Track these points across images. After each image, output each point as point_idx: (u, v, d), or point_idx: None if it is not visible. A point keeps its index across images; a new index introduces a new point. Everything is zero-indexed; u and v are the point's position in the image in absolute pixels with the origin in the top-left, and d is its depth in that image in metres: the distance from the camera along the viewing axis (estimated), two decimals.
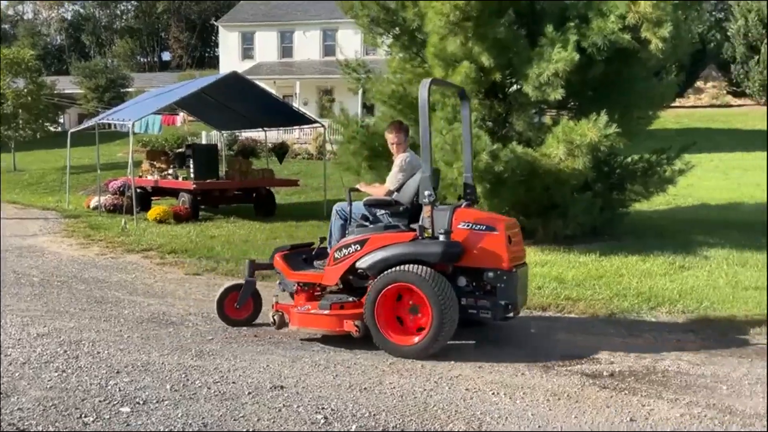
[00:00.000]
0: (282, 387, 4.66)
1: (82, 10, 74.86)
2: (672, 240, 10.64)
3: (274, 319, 6.03)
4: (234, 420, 4.11)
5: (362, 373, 4.99)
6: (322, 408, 4.29)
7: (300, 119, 18.42)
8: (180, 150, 20.38)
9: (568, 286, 7.81)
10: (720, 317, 6.70)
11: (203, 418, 4.12)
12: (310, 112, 27.11)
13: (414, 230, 5.50)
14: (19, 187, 24.02)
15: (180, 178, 15.81)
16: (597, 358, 5.44)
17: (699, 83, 45.89)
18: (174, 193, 15.69)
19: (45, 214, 16.52)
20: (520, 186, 10.08)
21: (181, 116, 24.15)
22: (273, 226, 13.23)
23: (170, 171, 16.38)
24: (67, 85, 42.78)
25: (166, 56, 75.32)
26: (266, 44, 39.86)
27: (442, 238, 5.35)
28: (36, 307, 7.13)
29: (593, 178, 10.78)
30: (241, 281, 6.45)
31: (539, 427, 4.10)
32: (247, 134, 26.84)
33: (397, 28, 11.43)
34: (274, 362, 5.21)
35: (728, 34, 40.98)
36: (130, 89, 44.50)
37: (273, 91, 23.15)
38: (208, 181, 15.28)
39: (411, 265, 5.31)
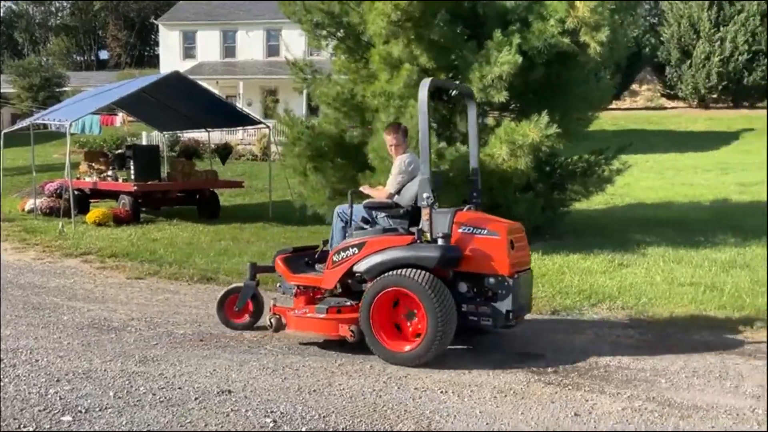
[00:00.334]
0: (229, 391, 4.60)
1: (15, 7, 72.23)
2: (611, 238, 10.95)
3: (271, 322, 5.87)
4: (180, 426, 4.04)
5: (311, 375, 4.97)
6: (271, 411, 4.26)
7: (244, 120, 18.21)
8: (120, 151, 19.89)
9: None
10: (657, 313, 6.94)
11: (148, 425, 4.04)
12: (254, 112, 26.85)
13: (413, 234, 5.36)
14: None
15: (120, 180, 15.43)
16: (541, 355, 5.56)
17: (635, 86, 47.36)
18: (114, 195, 15.30)
19: None
20: (465, 186, 10.21)
21: (121, 116, 23.50)
22: (217, 228, 13.05)
23: (109, 172, 15.95)
24: None
25: (104, 55, 73.36)
26: (208, 44, 39.25)
27: (440, 242, 5.21)
28: None
29: (535, 178, 11.00)
30: (250, 283, 6.33)
31: (486, 424, 4.16)
32: (189, 135, 26.37)
33: (341, 31, 11.42)
34: (221, 366, 5.14)
35: (662, 38, 42.39)
36: (66, 88, 43.12)
37: (216, 91, 22.81)
38: (150, 182, 14.96)
39: (408, 270, 5.18)
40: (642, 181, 20.34)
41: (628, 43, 12.63)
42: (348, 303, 5.61)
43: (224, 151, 20.78)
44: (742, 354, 5.62)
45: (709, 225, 12.31)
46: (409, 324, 5.30)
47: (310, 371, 5.05)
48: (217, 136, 26.90)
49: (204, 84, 21.04)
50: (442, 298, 5.07)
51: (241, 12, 39.21)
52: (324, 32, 11.57)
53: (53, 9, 73.04)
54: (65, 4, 72.82)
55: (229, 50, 39.57)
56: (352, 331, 5.40)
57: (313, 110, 26.71)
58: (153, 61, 58.60)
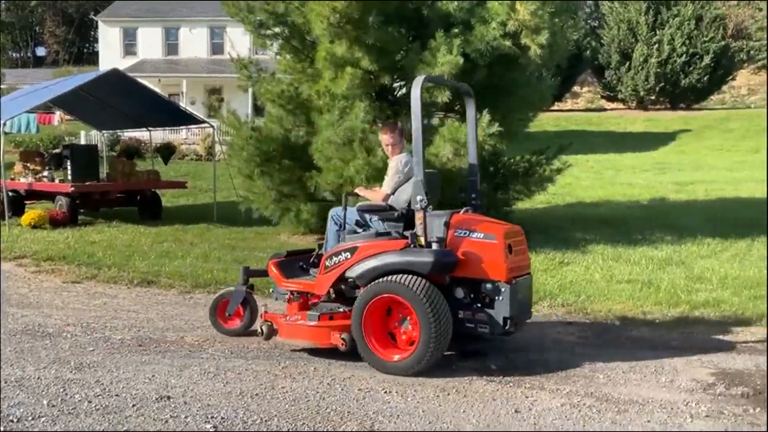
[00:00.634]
0: (169, 397, 4.51)
1: None
2: (552, 237, 11.18)
3: (261, 329, 5.62)
4: None
5: (254, 379, 4.91)
6: (212, 417, 4.19)
7: (187, 119, 17.87)
8: (56, 150, 19.27)
9: None
10: (596, 310, 7.10)
11: None
12: (197, 111, 26.41)
13: (406, 238, 5.14)
14: None
15: (56, 181, 14.95)
16: (483, 352, 5.62)
17: (576, 88, 48.47)
18: (50, 196, 14.81)
19: None
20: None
21: (58, 115, 22.85)
22: (159, 230, 12.78)
23: (45, 173, 15.44)
24: None
25: (41, 51, 71.03)
26: (150, 41, 38.43)
27: (435, 246, 5.01)
28: None
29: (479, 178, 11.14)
30: (240, 288, 6.12)
31: (429, 423, 4.19)
32: (130, 134, 25.77)
33: (286, 31, 11.34)
34: (160, 372, 5.03)
35: (602, 41, 43.50)
36: (1, 86, 41.59)
37: (158, 90, 22.34)
38: (88, 183, 14.53)
39: (401, 276, 4.98)
40: (582, 180, 20.84)
41: (569, 45, 12.88)
42: (341, 309, 5.39)
43: (167, 151, 20.40)
44: (677, 349, 5.80)
45: (647, 224, 12.70)
46: (402, 332, 5.12)
47: (252, 375, 4.99)
48: (159, 136, 26.35)
49: (145, 82, 20.58)
50: (436, 305, 4.87)
51: (184, 9, 38.52)
52: (268, 32, 11.46)
53: None
54: None
55: (171, 48, 38.85)
56: (343, 339, 5.19)
57: (258, 110, 26.48)
58: (92, 58, 56.97)
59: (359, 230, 5.61)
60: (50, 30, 67.73)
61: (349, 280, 5.36)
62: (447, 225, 5.14)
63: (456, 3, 10.02)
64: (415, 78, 9.80)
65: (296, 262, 5.91)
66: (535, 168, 11.87)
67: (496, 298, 5.02)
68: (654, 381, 4.96)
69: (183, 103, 29.57)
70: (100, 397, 4.50)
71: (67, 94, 15.32)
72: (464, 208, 5.60)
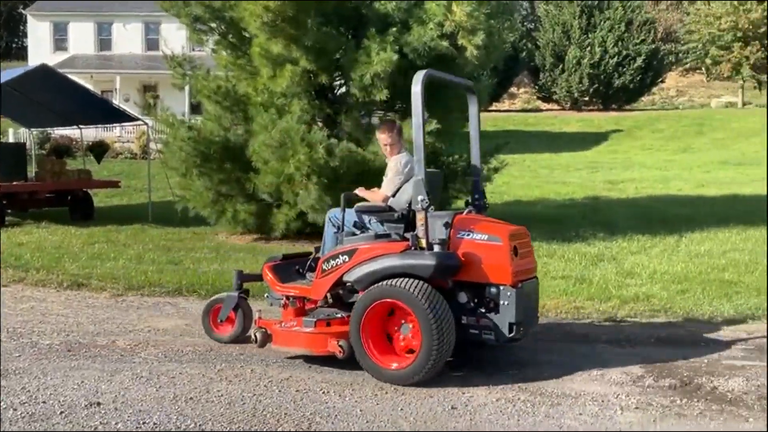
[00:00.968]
0: (98, 404, 4.37)
1: None
2: None
3: (255, 337, 5.32)
4: None
5: (188, 382, 4.81)
6: (144, 423, 4.08)
7: (121, 116, 17.39)
8: None
9: None
10: None
11: None
12: (132, 109, 25.72)
13: (407, 240, 4.91)
14: None
15: None
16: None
17: (513, 89, 49.40)
18: None
19: None
20: (354, 184, 10.28)
21: None
22: (91, 230, 12.39)
23: None
24: None
25: None
26: (81, 36, 37.25)
27: (436, 248, 4.78)
28: None
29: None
30: (233, 293, 5.82)
31: (366, 422, 4.19)
32: (60, 132, 24.90)
33: (223, 26, 11.16)
34: (89, 378, 4.87)
35: (538, 43, 44.46)
36: None
37: (90, 86, 21.69)
38: (15, 183, 14.01)
39: (401, 280, 4.74)
40: (519, 179, 21.26)
41: (505, 47, 13.14)
42: (338, 315, 5.15)
43: (99, 149, 19.85)
44: (608, 342, 5.96)
45: (580, 221, 13.04)
46: (401, 338, 4.89)
47: (187, 378, 4.88)
48: (91, 134, 25.58)
49: (76, 78, 19.93)
50: (438, 310, 4.63)
51: (117, 4, 37.45)
52: (204, 27, 11.26)
53: None
54: None
55: (104, 43, 37.77)
56: (341, 346, 4.92)
57: (195, 108, 25.99)
58: (21, 54, 54.82)
59: (358, 232, 5.40)
60: None
61: (348, 284, 5.13)
62: (449, 226, 4.92)
63: (394, 3, 10.07)
64: (352, 77, 9.94)
65: (292, 266, 5.65)
66: None
67: (502, 303, 4.79)
68: (586, 374, 5.08)
69: (116, 100, 28.76)
70: (26, 404, 4.33)
71: None
72: (467, 209, 5.44)
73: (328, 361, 5.20)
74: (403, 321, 4.86)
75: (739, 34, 42.71)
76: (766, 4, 41.83)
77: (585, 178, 22.69)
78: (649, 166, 26.25)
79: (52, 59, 30.82)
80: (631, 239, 10.93)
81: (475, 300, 4.91)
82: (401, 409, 4.38)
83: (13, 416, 4.14)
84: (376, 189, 5.71)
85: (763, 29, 42.15)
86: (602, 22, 41.50)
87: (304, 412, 4.30)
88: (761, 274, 8.39)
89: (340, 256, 5.11)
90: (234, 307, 5.75)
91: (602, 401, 4.54)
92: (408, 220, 5.16)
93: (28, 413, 4.19)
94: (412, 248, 4.85)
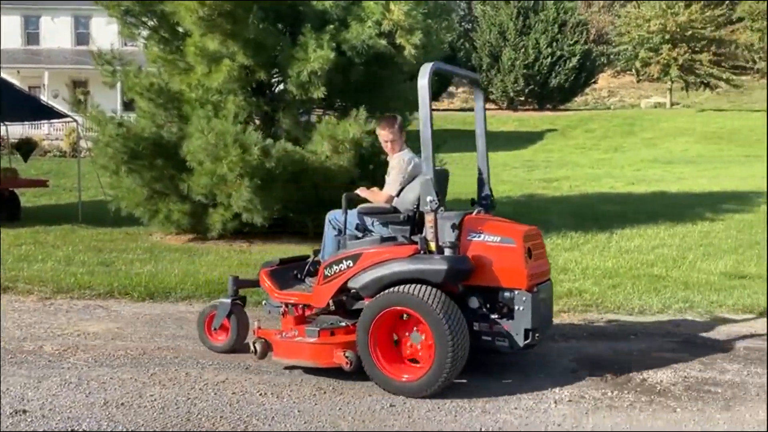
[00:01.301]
0: (24, 411, 4.20)
1: None
2: None
3: (255, 348, 5.02)
4: None
5: (120, 387, 4.67)
6: (72, 430, 3.94)
7: (49, 113, 16.75)
8: None
9: None
10: None
11: None
12: (61, 105, 24.85)
13: (415, 243, 4.66)
14: None
15: None
16: None
17: (452, 88, 49.97)
18: None
19: None
20: (291, 183, 10.21)
21: None
22: (18, 232, 11.89)
23: None
24: None
25: None
26: (7, 29, 35.65)
27: (447, 252, 4.54)
28: None
29: (359, 175, 11.20)
30: (226, 300, 5.48)
31: (305, 423, 4.15)
32: None
33: (154, 20, 10.88)
34: (15, 384, 4.67)
35: (475, 44, 45.07)
36: None
37: (16, 82, 20.86)
38: None
39: (411, 286, 4.49)
40: (457, 177, 21.36)
41: (443, 46, 13.22)
42: (343, 324, 4.88)
43: (26, 147, 19.01)
44: (547, 337, 6.07)
45: (516, 218, 13.17)
46: (408, 347, 4.64)
47: (118, 383, 4.74)
48: (18, 131, 24.57)
49: (2, 73, 19.13)
50: (453, 318, 4.40)
51: None
52: (135, 20, 10.95)
53: None
54: None
55: (31, 37, 36.37)
56: (348, 357, 4.65)
57: (128, 104, 25.31)
58: None
59: (360, 235, 5.12)
60: None
61: (352, 290, 4.86)
62: (459, 227, 4.67)
63: (331, 1, 10.02)
64: (289, 74, 9.83)
65: (290, 271, 5.36)
66: None
67: (517, 308, 4.57)
68: (521, 369, 5.16)
69: (44, 96, 27.78)
70: None
71: None
72: (476, 209, 5.20)
73: (264, 362, 5.14)
74: (414, 329, 4.60)
75: (668, 37, 44.28)
76: (693, 8, 43.55)
77: (521, 176, 23.12)
78: (582, 165, 26.96)
79: None
80: (564, 236, 11.18)
81: (487, 305, 4.67)
82: (340, 409, 4.36)
83: None
84: (375, 189, 5.48)
85: (689, 31, 43.82)
86: (537, 24, 42.38)
87: (240, 415, 4.23)
88: (688, 269, 8.72)
89: (344, 261, 4.82)
90: (227, 315, 5.42)
91: (537, 395, 4.63)
92: (414, 221, 4.91)
93: None
94: (421, 252, 4.60)
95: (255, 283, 5.50)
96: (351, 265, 4.77)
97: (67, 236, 11.55)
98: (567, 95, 44.81)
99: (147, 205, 10.99)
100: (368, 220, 5.18)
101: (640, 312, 6.94)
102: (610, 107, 48.03)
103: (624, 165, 26.75)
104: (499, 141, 35.13)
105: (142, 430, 3.98)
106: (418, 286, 4.48)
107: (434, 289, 4.46)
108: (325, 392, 4.63)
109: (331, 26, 9.82)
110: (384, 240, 4.88)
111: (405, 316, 4.60)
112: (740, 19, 48.55)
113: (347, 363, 4.66)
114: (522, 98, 43.96)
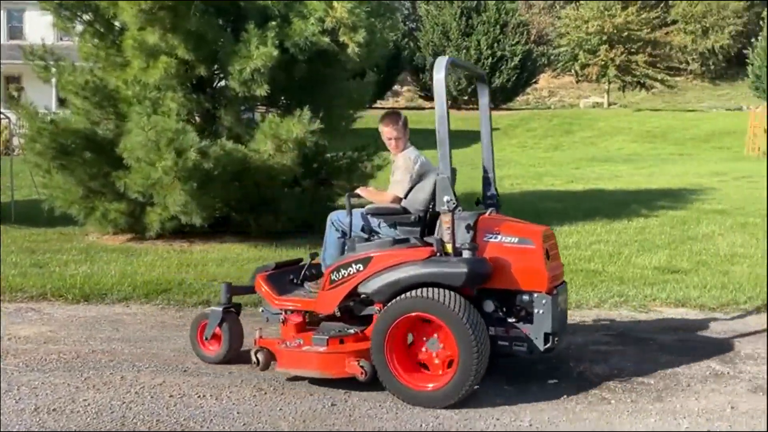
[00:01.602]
0: None
1: None
2: None
3: (257, 359, 4.76)
4: None
5: (52, 392, 4.52)
6: None
7: None
8: None
9: None
10: None
11: None
12: None
13: (430, 245, 4.47)
14: None
15: None
16: None
17: (397, 87, 50.11)
18: None
19: None
20: (232, 182, 10.06)
21: None
22: None
23: None
24: None
25: None
26: None
27: (466, 254, 4.33)
28: None
29: (302, 174, 11.13)
30: (217, 308, 5.19)
31: (245, 424, 4.10)
32: None
33: (89, 14, 10.56)
34: None
35: (419, 44, 45.35)
36: None
37: None
38: None
39: (429, 290, 4.28)
40: None
41: (387, 45, 13.24)
42: (351, 331, 4.64)
43: None
44: None
45: None
46: (432, 356, 4.43)
47: (50, 388, 4.59)
48: None
49: None
50: (475, 324, 4.22)
51: None
52: (69, 13, 10.60)
53: None
54: None
55: None
56: (362, 367, 4.41)
57: (63, 100, 24.52)
58: None
59: (368, 237, 4.89)
60: None
61: (362, 296, 4.63)
62: (473, 228, 4.49)
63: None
64: (231, 71, 9.67)
65: (287, 275, 5.14)
66: (357, 164, 12.06)
67: (536, 311, 4.41)
68: None
69: None
70: None
71: None
72: (489, 209, 5.00)
73: (203, 365, 5.06)
74: (435, 335, 4.39)
75: (605, 38, 45.43)
76: (629, 10, 44.79)
77: (464, 174, 23.02)
78: (524, 163, 27.41)
79: None
80: None
81: (504, 309, 4.52)
82: (280, 409, 4.32)
83: None
84: (372, 189, 5.21)
85: (626, 33, 45.06)
86: (479, 25, 42.91)
87: (177, 418, 4.15)
88: (623, 264, 8.96)
89: (353, 264, 4.57)
90: (219, 324, 5.11)
91: (475, 388, 4.66)
92: (425, 222, 4.76)
93: None
94: (438, 254, 4.40)
95: (250, 290, 5.27)
96: (361, 268, 4.54)
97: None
98: (509, 95, 45.47)
99: (82, 203, 10.65)
100: (374, 222, 4.97)
101: (576, 306, 7.09)
102: (550, 107, 49.00)
103: (563, 163, 27.32)
104: None
105: None
106: (441, 290, 4.28)
107: (456, 294, 4.28)
108: (265, 393, 4.59)
109: (274, 23, 9.71)
110: (396, 242, 4.64)
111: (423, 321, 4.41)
112: (674, 22, 50.32)
113: (362, 373, 4.42)
114: (465, 97, 44.43)
